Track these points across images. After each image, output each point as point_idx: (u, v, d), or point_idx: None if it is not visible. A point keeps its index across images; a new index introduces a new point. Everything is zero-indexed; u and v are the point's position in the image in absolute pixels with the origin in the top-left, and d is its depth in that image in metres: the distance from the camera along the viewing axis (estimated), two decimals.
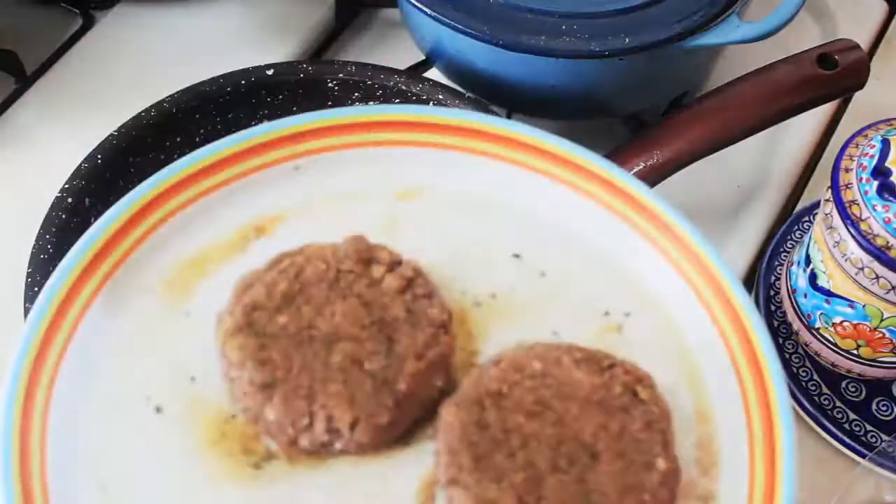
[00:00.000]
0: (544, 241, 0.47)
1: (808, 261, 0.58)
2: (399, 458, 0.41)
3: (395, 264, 0.44)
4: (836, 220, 0.53)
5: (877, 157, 0.52)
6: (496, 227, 0.48)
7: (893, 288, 0.52)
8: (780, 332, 0.62)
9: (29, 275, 0.55)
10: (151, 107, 0.62)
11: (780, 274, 0.63)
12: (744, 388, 0.42)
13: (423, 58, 0.70)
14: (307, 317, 0.42)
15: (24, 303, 0.54)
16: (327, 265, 0.43)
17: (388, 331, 0.42)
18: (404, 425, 0.41)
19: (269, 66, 0.64)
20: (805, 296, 0.58)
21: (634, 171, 0.61)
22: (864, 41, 0.76)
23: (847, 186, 0.53)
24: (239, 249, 0.46)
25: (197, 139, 0.64)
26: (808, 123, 0.71)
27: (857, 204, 0.52)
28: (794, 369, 0.61)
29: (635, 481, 0.39)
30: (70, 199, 0.58)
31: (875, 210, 0.51)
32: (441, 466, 0.40)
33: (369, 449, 0.41)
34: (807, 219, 0.66)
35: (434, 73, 0.68)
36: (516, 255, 0.47)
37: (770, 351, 0.42)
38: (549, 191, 0.48)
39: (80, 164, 0.60)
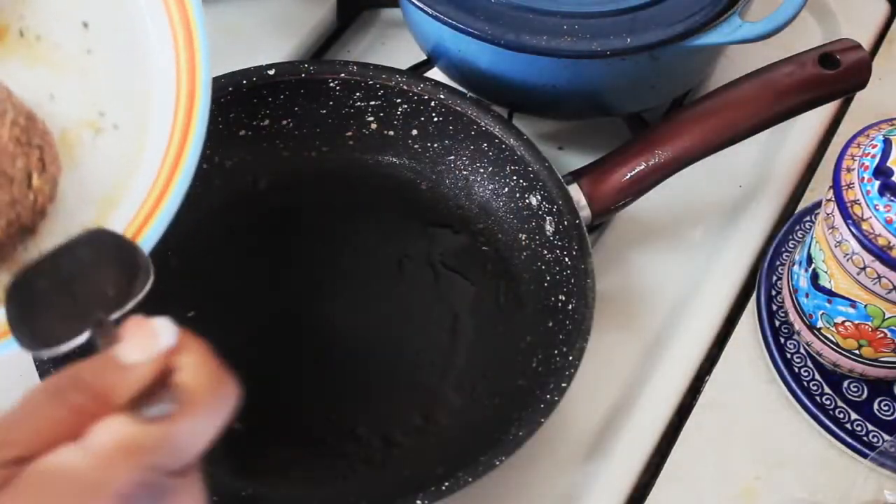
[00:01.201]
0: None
1: (809, 261, 0.58)
2: None
3: None
4: (838, 219, 0.53)
5: (878, 157, 0.52)
6: None
7: (895, 288, 0.52)
8: (781, 332, 0.62)
9: None
10: None
11: (781, 274, 0.63)
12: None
13: (425, 57, 0.70)
14: None
15: None
16: None
17: None
18: None
19: (270, 66, 0.64)
20: (807, 296, 0.58)
21: (636, 170, 0.61)
22: (865, 41, 0.76)
23: (849, 186, 0.53)
24: None
25: None
26: (810, 123, 0.71)
27: (859, 204, 0.52)
28: (796, 369, 0.61)
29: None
30: None
31: (877, 210, 0.51)
32: None
33: None
34: (808, 219, 0.66)
35: (435, 73, 0.68)
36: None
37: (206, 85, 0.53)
38: None
39: None
